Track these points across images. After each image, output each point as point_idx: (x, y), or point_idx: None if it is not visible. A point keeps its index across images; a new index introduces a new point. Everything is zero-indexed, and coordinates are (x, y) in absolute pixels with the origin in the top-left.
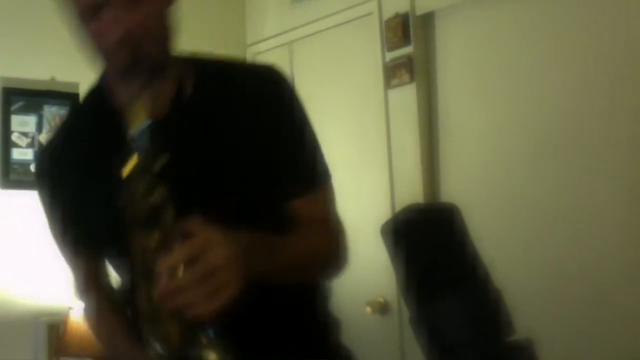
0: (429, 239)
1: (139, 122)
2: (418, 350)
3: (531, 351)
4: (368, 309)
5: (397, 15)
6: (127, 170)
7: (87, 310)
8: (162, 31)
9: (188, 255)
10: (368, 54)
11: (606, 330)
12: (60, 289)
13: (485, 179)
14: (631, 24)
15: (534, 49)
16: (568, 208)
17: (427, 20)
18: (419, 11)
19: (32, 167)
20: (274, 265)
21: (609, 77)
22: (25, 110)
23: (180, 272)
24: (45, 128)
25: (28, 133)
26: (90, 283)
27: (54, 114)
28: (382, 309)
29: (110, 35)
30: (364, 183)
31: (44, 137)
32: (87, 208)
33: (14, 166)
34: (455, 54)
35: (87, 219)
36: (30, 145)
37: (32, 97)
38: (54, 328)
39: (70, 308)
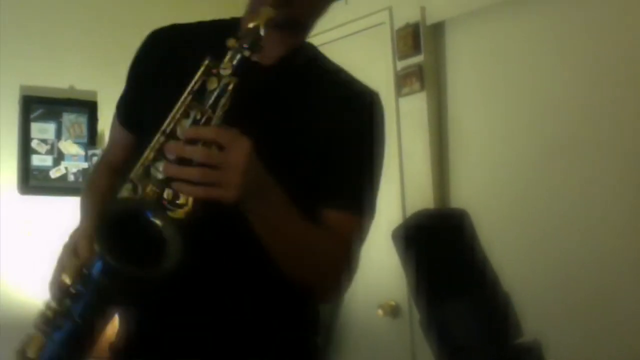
0: (439, 243)
1: (253, 22)
2: (428, 352)
3: (539, 353)
4: (380, 312)
5: (407, 25)
6: (230, 42)
7: (90, 175)
8: (316, 2)
9: (215, 135)
10: (380, 62)
11: (612, 332)
12: None
13: (494, 185)
14: (632, 34)
15: (540, 57)
16: (574, 212)
17: (437, 30)
18: (429, 21)
19: (51, 174)
20: (274, 218)
21: (612, 84)
22: (44, 117)
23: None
24: (64, 135)
25: (47, 140)
26: (112, 157)
27: (72, 121)
28: (394, 311)
29: None
30: None
31: (63, 145)
32: (168, 89)
33: (34, 172)
34: (465, 63)
35: (159, 99)
36: (49, 152)
37: (51, 105)
38: None
39: None
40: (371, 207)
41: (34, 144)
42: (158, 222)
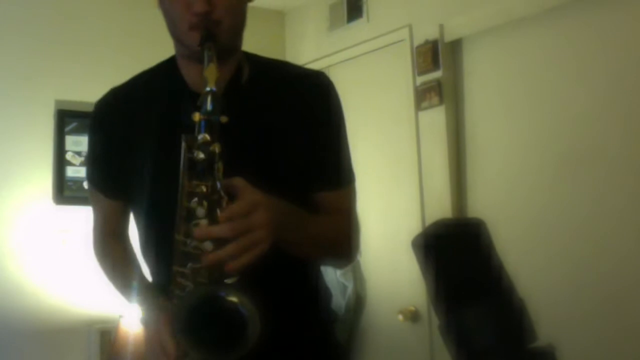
0: (457, 251)
1: (207, 86)
2: (447, 355)
3: (553, 357)
4: (400, 317)
5: (427, 42)
6: (196, 117)
7: (97, 246)
8: (236, 20)
9: (239, 211)
10: (400, 78)
11: (623, 337)
12: (112, 299)
13: (510, 195)
14: None
15: (555, 72)
16: (588, 221)
17: (455, 46)
18: (448, 38)
19: (85, 184)
20: (299, 234)
21: (625, 98)
22: (78, 130)
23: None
24: None
25: (81, 152)
26: (109, 226)
27: None
28: (413, 316)
29: (194, 7)
30: (396, 199)
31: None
32: (136, 153)
33: (68, 183)
34: (482, 78)
35: (133, 164)
36: (83, 163)
37: (85, 119)
38: (106, 335)
39: (121, 316)
40: (352, 173)
41: (68, 156)
42: (234, 299)
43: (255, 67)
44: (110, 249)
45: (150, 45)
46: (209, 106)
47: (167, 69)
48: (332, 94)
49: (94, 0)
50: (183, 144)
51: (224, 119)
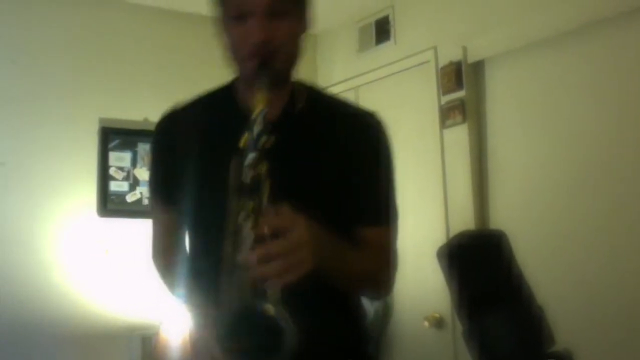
0: (479, 261)
1: (257, 110)
2: (469, 359)
3: None
4: (425, 323)
5: (451, 63)
6: (243, 141)
7: (156, 257)
8: (292, 50)
9: (278, 227)
10: (425, 97)
11: (638, 342)
12: (152, 306)
13: (530, 208)
14: None
15: (571, 92)
16: (604, 232)
17: (478, 67)
18: (471, 59)
19: (127, 198)
20: (336, 263)
21: (639, 116)
22: (121, 147)
23: (266, 244)
24: (139, 163)
25: (124, 167)
26: (167, 238)
27: (146, 150)
28: (438, 323)
29: (251, 38)
30: (422, 211)
31: (138, 171)
32: (192, 169)
33: (111, 197)
34: (502, 97)
35: (188, 178)
36: (125, 178)
37: (127, 136)
38: (147, 341)
39: (161, 323)
40: (395, 212)
41: (111, 171)
42: (274, 313)
43: (310, 98)
44: (168, 259)
45: (190, 65)
46: (258, 128)
47: (226, 90)
48: (381, 134)
49: (136, 21)
50: (233, 163)
51: (271, 141)
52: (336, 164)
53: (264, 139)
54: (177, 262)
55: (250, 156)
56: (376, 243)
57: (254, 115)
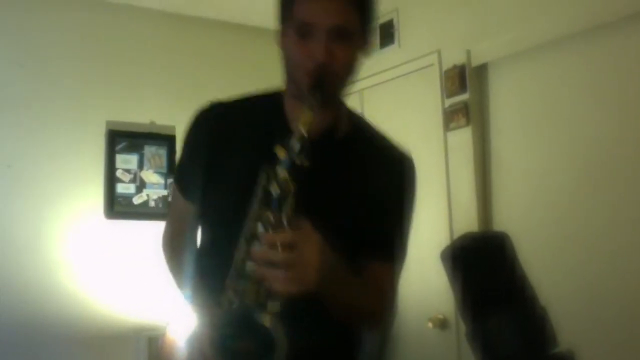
0: (482, 263)
1: (299, 128)
2: None
3: None
4: (429, 324)
5: (455, 67)
6: (278, 154)
7: (166, 241)
8: (349, 72)
9: (291, 239)
10: (429, 100)
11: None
12: (159, 307)
13: (533, 210)
14: None
15: (573, 95)
16: (606, 233)
17: (481, 71)
18: (474, 63)
19: (134, 200)
20: (339, 290)
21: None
22: (128, 150)
23: (278, 250)
24: (146, 165)
25: (130, 170)
26: (182, 225)
27: (153, 153)
28: (442, 324)
29: (313, 57)
30: (425, 213)
31: (144, 174)
32: (221, 168)
33: (118, 199)
34: (506, 100)
35: (216, 176)
36: (132, 180)
37: (134, 139)
38: (154, 342)
39: (167, 324)
40: (405, 252)
41: (118, 173)
42: (269, 323)
43: (352, 125)
44: (178, 246)
45: (196, 69)
46: (296, 147)
47: (272, 100)
48: (411, 176)
49: (143, 25)
50: (263, 174)
51: (306, 163)
52: (362, 196)
53: (299, 159)
54: (184, 255)
55: (282, 172)
56: (380, 279)
57: (295, 133)
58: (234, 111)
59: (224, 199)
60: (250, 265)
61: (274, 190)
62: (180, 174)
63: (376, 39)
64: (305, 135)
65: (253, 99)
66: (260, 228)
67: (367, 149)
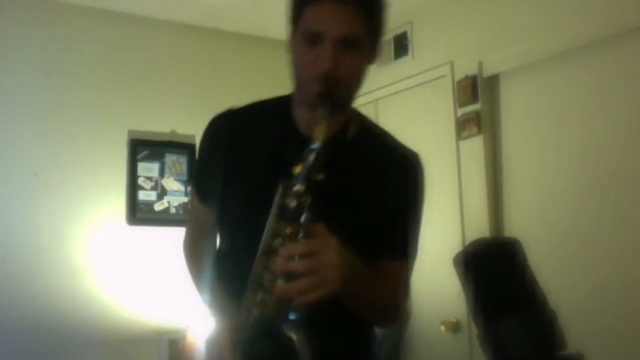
0: (494, 268)
1: (314, 141)
2: None
3: None
4: (442, 328)
5: (467, 77)
6: (297, 169)
7: (187, 245)
8: (356, 80)
9: (308, 248)
10: (442, 110)
11: None
12: (180, 311)
13: (543, 216)
14: None
15: (583, 105)
16: (615, 239)
17: (493, 81)
18: (486, 74)
19: (155, 207)
20: (359, 290)
21: None
22: (149, 158)
23: (297, 260)
24: (167, 173)
25: (152, 177)
26: (201, 229)
27: (174, 161)
28: (455, 327)
29: (320, 64)
30: (438, 220)
31: (165, 181)
32: (236, 176)
33: (140, 206)
34: (516, 110)
35: (231, 184)
36: (153, 188)
37: (155, 147)
38: (174, 344)
39: (188, 327)
40: (416, 249)
41: (140, 181)
42: (291, 334)
43: (360, 128)
44: (197, 250)
45: (216, 79)
46: (311, 162)
47: (281, 107)
48: (420, 175)
49: (164, 37)
50: (280, 188)
51: (321, 177)
52: (375, 196)
53: (315, 173)
54: (203, 260)
55: (299, 186)
56: (395, 276)
57: (309, 148)
58: (246, 117)
59: (239, 204)
60: (269, 279)
61: (290, 203)
62: (197, 179)
63: (390, 50)
64: (320, 148)
65: (262, 106)
66: (278, 242)
67: (374, 148)
